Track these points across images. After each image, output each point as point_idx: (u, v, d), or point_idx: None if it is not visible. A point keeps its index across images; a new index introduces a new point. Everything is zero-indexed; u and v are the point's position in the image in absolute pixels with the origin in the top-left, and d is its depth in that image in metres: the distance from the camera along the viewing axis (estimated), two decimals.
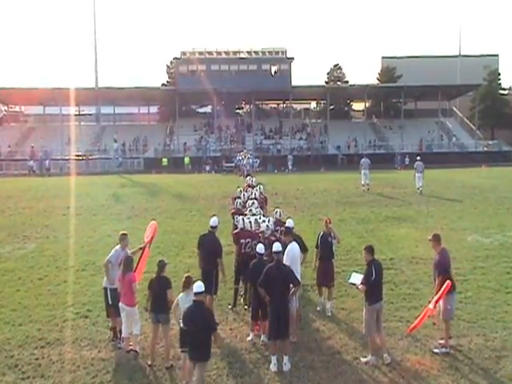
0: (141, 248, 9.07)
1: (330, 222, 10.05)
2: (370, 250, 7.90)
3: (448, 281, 7.91)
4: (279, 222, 10.67)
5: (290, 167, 44.95)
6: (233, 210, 12.43)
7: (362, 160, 27.95)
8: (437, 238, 8.38)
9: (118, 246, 8.61)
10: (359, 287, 7.91)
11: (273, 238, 9.33)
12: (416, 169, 26.36)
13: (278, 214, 10.96)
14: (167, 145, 53.88)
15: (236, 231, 10.19)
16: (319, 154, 51.91)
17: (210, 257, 9.34)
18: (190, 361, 6.75)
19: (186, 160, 45.79)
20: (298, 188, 28.17)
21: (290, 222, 9.78)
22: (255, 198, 14.28)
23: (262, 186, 17.51)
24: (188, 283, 7.16)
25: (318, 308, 9.86)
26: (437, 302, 7.88)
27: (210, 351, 6.74)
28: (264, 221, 10.36)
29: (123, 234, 8.75)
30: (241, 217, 10.59)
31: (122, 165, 47.72)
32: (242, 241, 9.81)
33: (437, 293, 7.96)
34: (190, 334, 6.68)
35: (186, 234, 16.49)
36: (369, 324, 7.82)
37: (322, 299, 9.97)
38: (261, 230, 9.84)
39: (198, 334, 6.56)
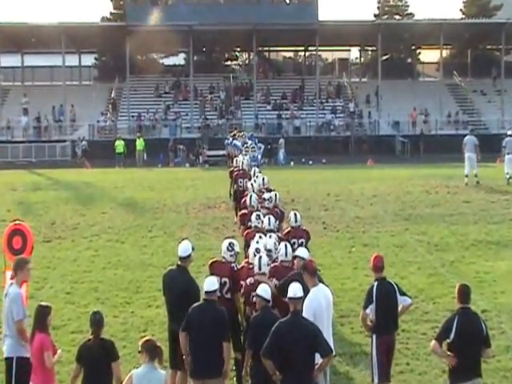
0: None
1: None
2: (460, 292, 8.06)
3: None
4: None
5: (282, 158, 45.22)
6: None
7: (466, 138, 29.89)
8: None
9: (16, 288, 8.68)
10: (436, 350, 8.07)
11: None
12: (506, 147, 28.32)
13: (294, 219, 11.88)
14: (111, 119, 54.00)
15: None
16: (364, 136, 52.18)
17: (180, 307, 9.33)
18: (195, 381, 8.13)
19: (139, 144, 45.51)
20: (328, 192, 28.17)
21: (302, 252, 9.88)
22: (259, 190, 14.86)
23: (257, 169, 18.51)
24: (150, 351, 7.12)
25: None
26: None
27: (223, 366, 8.08)
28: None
29: (22, 260, 8.85)
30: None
31: (86, 153, 47.66)
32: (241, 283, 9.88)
33: None
34: (194, 340, 8.02)
35: (142, 269, 16.51)
36: None
37: None
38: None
39: (206, 339, 7.90)
